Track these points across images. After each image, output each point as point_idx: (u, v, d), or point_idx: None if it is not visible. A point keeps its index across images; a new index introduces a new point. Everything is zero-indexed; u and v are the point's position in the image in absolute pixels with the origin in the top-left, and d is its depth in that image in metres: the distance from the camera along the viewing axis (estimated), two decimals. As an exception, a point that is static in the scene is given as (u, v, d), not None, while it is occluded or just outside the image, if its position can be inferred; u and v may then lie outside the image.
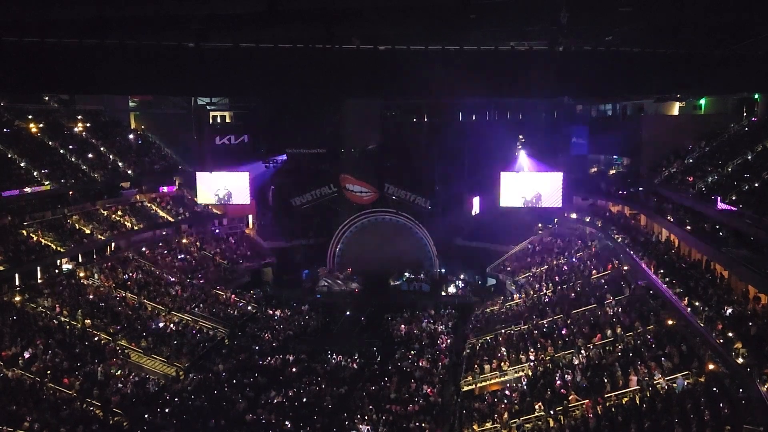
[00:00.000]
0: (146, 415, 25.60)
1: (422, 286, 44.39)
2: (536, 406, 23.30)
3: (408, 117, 55.10)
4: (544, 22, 19.92)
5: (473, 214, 51.16)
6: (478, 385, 27.45)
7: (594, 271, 36.30)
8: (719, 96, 40.31)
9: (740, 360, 19.75)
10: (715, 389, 19.93)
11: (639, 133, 43.04)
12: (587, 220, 44.25)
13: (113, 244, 41.80)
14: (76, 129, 47.74)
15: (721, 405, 18.84)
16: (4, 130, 42.11)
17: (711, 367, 20.91)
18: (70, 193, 42.35)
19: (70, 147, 44.98)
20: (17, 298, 32.09)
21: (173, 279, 40.26)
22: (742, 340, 20.50)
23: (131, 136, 51.83)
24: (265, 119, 52.51)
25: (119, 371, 28.60)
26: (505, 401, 24.72)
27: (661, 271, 29.43)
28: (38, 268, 35.21)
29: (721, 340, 21.30)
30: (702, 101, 42.48)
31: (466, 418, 24.56)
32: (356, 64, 18.93)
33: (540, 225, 47.48)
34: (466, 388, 27.60)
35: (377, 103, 49.25)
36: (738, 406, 18.53)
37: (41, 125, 44.76)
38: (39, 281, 34.74)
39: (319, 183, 50.43)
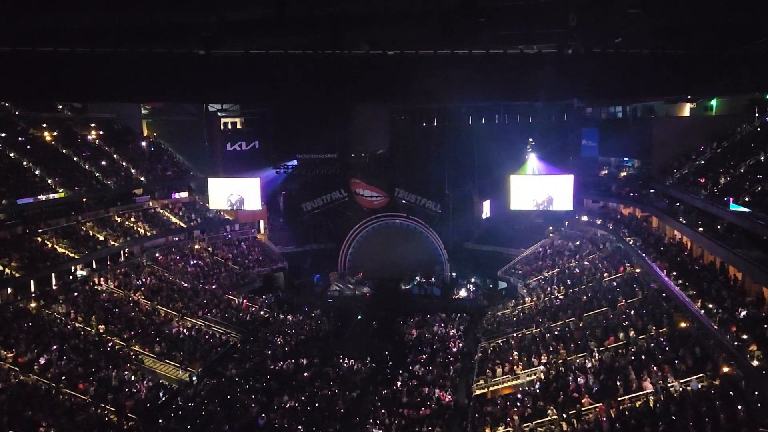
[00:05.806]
0: (160, 420, 25.80)
1: (433, 290, 44.35)
2: (549, 410, 23.22)
3: (417, 121, 55.26)
4: (553, 25, 19.88)
5: (483, 217, 51.16)
6: (491, 388, 27.42)
7: (606, 274, 36.13)
8: (730, 96, 39.99)
9: (755, 362, 19.53)
10: (730, 392, 19.77)
11: (650, 135, 42.78)
12: (598, 222, 44.00)
13: (126, 251, 42.18)
14: (89, 137, 48.23)
15: (737, 408, 18.67)
16: (19, 138, 42.62)
17: (725, 369, 20.75)
18: (84, 200, 42.79)
19: (84, 155, 45.46)
20: (32, 305, 32.48)
21: (186, 284, 40.52)
22: (757, 342, 20.27)
23: (143, 144, 52.28)
24: (275, 125, 52.85)
25: (133, 376, 28.86)
26: (518, 405, 24.64)
27: (674, 273, 29.22)
28: (53, 274, 35.55)
29: (736, 343, 21.12)
30: (713, 102, 42.17)
31: (478, 422, 24.50)
32: (365, 70, 18.98)
33: (551, 228, 47.29)
34: (478, 392, 27.55)
35: (387, 107, 49.38)
36: (753, 409, 18.37)
37: (55, 133, 45.26)
38: (54, 288, 35.08)
39: (330, 188, 50.80)
